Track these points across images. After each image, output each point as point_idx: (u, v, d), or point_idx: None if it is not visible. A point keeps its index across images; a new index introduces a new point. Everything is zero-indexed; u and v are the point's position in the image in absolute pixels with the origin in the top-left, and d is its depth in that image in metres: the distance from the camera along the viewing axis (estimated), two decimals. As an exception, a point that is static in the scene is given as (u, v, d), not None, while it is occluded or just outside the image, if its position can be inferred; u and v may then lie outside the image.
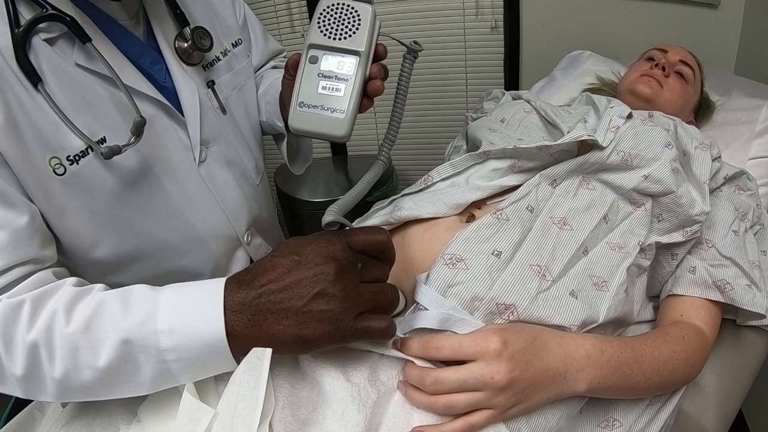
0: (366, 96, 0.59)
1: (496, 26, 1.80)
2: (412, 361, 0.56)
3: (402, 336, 0.59)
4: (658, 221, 0.77)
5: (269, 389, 0.49)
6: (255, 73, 0.95)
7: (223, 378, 0.54)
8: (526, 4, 1.73)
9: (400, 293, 0.66)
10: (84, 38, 0.60)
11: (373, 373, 0.56)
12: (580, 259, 0.68)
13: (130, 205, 0.68)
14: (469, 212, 0.74)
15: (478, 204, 0.75)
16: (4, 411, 0.81)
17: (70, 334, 0.51)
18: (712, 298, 0.75)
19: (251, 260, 0.89)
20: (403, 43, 0.64)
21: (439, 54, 1.89)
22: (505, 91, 1.10)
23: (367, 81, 0.58)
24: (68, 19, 0.59)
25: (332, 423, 0.50)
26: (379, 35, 0.59)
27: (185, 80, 0.72)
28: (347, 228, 0.57)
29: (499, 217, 0.68)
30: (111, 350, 0.50)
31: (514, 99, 1.04)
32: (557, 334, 0.60)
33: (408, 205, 0.74)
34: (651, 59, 1.07)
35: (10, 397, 0.72)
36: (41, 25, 0.58)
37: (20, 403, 0.71)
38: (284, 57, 1.05)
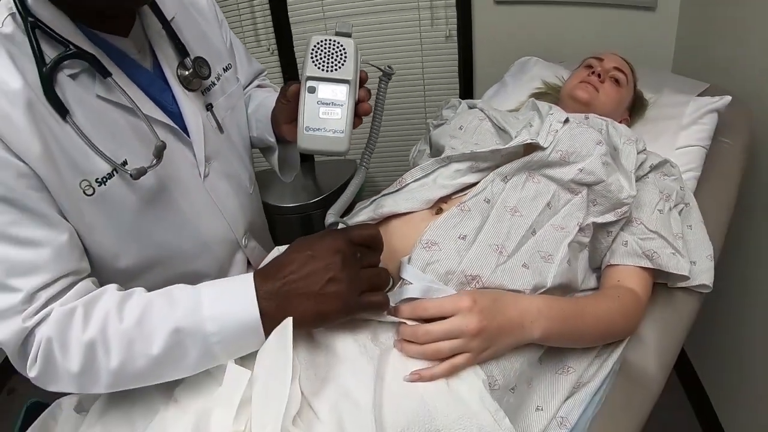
0: (357, 116, 0.70)
1: (450, 35, 1.90)
2: (405, 322, 0.69)
3: (394, 305, 0.71)
4: (593, 205, 0.91)
5: (293, 355, 0.61)
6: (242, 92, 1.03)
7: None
8: (477, 14, 1.83)
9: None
10: (105, 73, 0.67)
11: (375, 335, 0.70)
12: (529, 238, 0.82)
13: (150, 219, 0.75)
14: (438, 206, 0.87)
15: (445, 199, 0.88)
16: (16, 425, 0.86)
17: (124, 329, 0.60)
18: (642, 265, 0.89)
19: (248, 262, 0.98)
20: (380, 69, 0.75)
21: (398, 64, 1.95)
22: (461, 100, 1.24)
23: (356, 103, 0.69)
24: (90, 56, 0.65)
25: (348, 376, 0.63)
26: (360, 63, 0.70)
27: (189, 105, 0.80)
28: (345, 226, 0.70)
29: (463, 209, 0.82)
30: (163, 339, 0.60)
31: (470, 108, 1.18)
32: (514, 295, 0.74)
33: (388, 204, 0.88)
34: (589, 66, 1.19)
35: (20, 410, 0.79)
36: (65, 62, 0.64)
37: (31, 416, 0.76)
38: (265, 76, 1.15)
